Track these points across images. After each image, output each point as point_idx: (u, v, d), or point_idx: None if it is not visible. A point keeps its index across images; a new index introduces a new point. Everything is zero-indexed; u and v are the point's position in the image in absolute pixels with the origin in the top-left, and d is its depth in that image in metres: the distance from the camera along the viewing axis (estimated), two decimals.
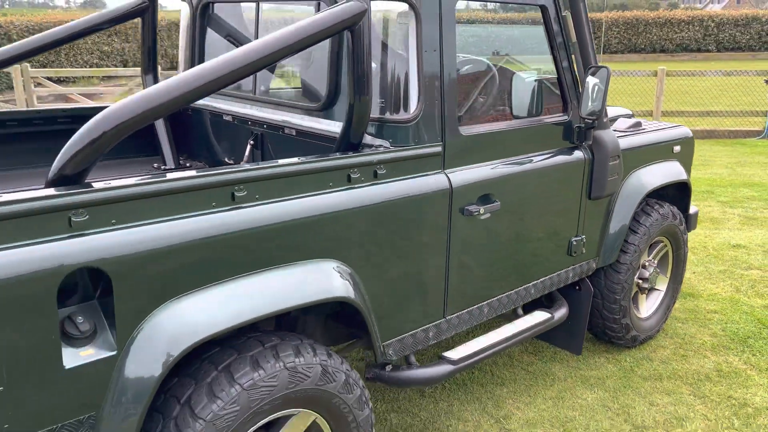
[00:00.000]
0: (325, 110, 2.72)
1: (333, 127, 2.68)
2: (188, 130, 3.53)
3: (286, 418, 2.22)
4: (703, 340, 4.06)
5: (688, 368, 3.74)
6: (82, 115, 3.33)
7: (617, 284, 3.66)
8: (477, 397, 3.44)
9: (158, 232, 1.84)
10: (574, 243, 3.34)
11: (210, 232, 1.94)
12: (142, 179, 1.84)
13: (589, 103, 3.06)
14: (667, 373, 3.68)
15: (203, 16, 3.33)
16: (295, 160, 2.18)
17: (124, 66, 19.45)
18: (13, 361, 1.62)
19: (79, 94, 11.24)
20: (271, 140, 3.02)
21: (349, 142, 2.39)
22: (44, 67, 16.05)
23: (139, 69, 14.12)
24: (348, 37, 2.26)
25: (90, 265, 1.70)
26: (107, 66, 18.94)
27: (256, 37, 3.08)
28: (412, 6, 2.46)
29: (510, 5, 3.07)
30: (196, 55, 3.39)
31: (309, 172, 2.19)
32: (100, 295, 1.84)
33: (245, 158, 3.10)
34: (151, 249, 1.81)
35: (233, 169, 2.01)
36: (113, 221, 1.77)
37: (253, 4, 3.19)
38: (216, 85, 2.00)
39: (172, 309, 1.88)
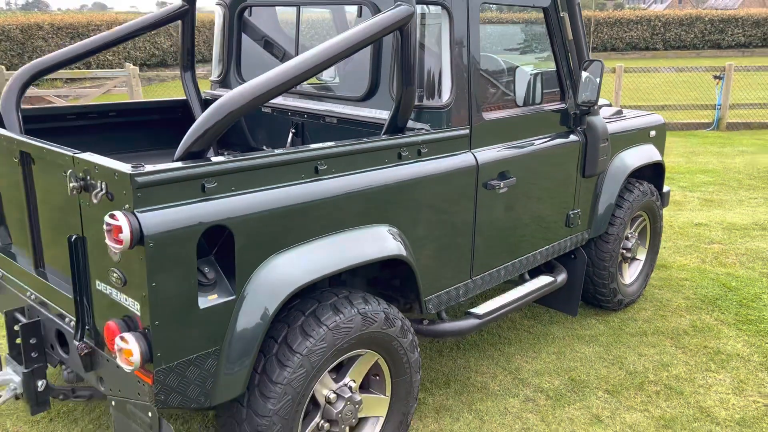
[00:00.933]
0: (366, 100, 3.12)
1: (374, 113, 3.08)
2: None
3: (355, 358, 2.62)
4: (678, 303, 4.61)
5: (668, 325, 4.27)
6: (135, 109, 3.67)
7: (606, 253, 4.16)
8: (489, 355, 3.89)
9: (263, 197, 2.22)
10: (572, 216, 3.82)
11: (299, 199, 2.33)
12: (251, 155, 2.21)
13: (585, 93, 3.55)
14: (650, 330, 4.21)
15: (240, 19, 3.69)
16: (361, 140, 2.58)
17: (78, 69, 19.30)
18: (167, 300, 1.99)
19: (55, 96, 11.30)
20: (310, 128, 3.40)
21: (397, 125, 2.80)
22: (9, 69, 15.90)
23: (107, 71, 14.17)
24: (397, 35, 2.67)
25: (219, 223, 2.08)
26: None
27: (297, 39, 3.46)
28: (445, 8, 2.89)
29: (518, 7, 3.52)
30: (233, 54, 3.75)
31: (371, 150, 2.59)
32: (216, 252, 2.21)
33: (287, 145, 3.47)
34: (260, 211, 2.19)
35: (318, 147, 2.40)
36: (233, 188, 2.14)
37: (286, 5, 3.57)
38: (299, 80, 2.38)
39: (276, 261, 2.26)
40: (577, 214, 3.87)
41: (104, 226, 1.93)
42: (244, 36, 3.73)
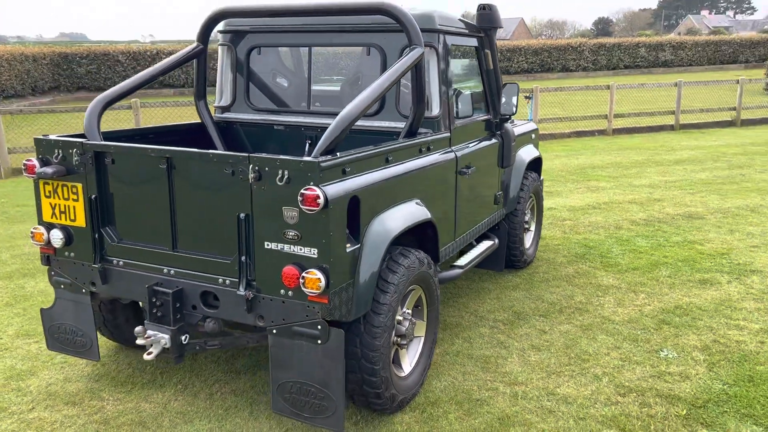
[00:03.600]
0: (377, 114, 4.26)
1: (383, 124, 4.22)
2: (234, 141, 4.75)
3: (409, 292, 3.74)
4: (561, 260, 6.25)
5: (561, 273, 5.86)
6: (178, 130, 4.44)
7: (517, 224, 5.65)
8: (451, 305, 5.15)
9: (369, 176, 3.29)
10: (498, 196, 5.24)
11: (382, 178, 3.42)
12: (362, 151, 3.27)
13: (504, 107, 4.99)
14: (550, 277, 5.76)
15: (248, 57, 4.62)
16: (405, 141, 3.73)
17: None
18: (335, 246, 2.98)
19: None
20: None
21: (412, 131, 3.98)
22: None
23: None
24: (413, 69, 3.86)
25: (355, 193, 3.11)
26: None
27: (309, 73, 4.48)
28: (434, 48, 4.14)
29: (463, 47, 4.83)
30: (243, 86, 4.65)
31: (411, 147, 3.76)
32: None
33: (305, 154, 4.46)
34: (369, 185, 3.26)
35: (387, 145, 3.51)
36: (355, 171, 3.19)
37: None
38: (372, 104, 3.44)
39: (377, 221, 3.33)
40: (501, 195, 5.30)
41: (298, 197, 2.89)
42: (252, 71, 4.65)
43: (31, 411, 3.68)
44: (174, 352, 3.39)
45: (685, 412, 3.63)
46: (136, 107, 11.83)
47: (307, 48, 4.49)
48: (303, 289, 3.00)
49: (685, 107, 16.91)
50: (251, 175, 3.02)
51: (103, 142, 3.48)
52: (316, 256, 2.99)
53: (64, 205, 3.62)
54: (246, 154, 3.06)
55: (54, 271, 3.77)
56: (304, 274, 2.98)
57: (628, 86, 16.95)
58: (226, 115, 4.75)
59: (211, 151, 3.20)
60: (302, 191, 2.89)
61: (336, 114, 4.37)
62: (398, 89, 4.22)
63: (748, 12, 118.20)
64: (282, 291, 3.11)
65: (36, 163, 3.57)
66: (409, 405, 3.71)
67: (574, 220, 7.68)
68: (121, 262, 3.55)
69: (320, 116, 4.49)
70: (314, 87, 4.54)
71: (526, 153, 5.83)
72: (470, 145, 4.64)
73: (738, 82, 16.99)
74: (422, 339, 3.92)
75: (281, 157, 3.00)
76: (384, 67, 4.19)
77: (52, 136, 3.62)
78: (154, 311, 3.40)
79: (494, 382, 3.97)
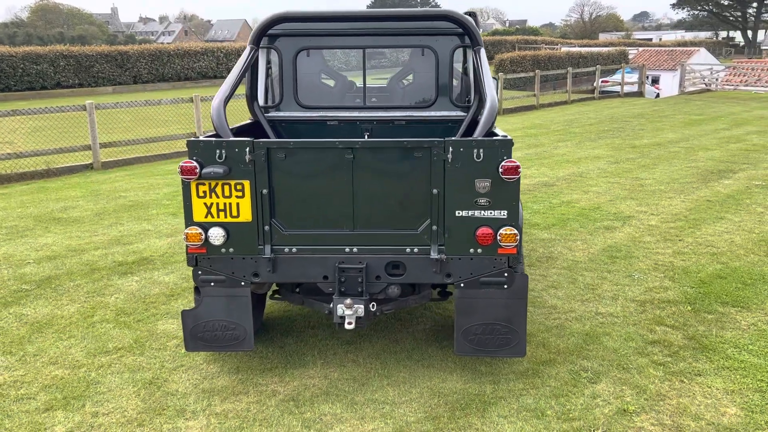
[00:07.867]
0: (432, 105, 4.97)
1: (439, 114, 4.96)
2: (284, 137, 5.03)
3: None
4: None
5: None
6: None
7: None
8: None
9: None
10: None
11: None
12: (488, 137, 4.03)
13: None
14: None
15: (295, 59, 4.94)
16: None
17: None
18: (517, 208, 3.73)
19: None
20: (380, 130, 5.01)
21: (476, 118, 4.79)
22: None
23: None
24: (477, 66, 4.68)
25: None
26: None
27: (364, 72, 4.98)
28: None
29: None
30: (291, 86, 4.96)
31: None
32: None
33: None
34: None
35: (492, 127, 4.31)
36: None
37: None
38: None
39: None
40: None
41: (499, 169, 3.59)
42: (300, 71, 4.99)
43: (210, 407, 3.74)
44: (366, 319, 3.81)
45: (689, 308, 5.08)
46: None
47: (361, 50, 5.00)
48: (500, 244, 3.71)
49: None
50: (449, 156, 3.63)
51: (279, 140, 3.73)
52: (505, 217, 3.72)
53: (224, 203, 3.75)
54: (441, 139, 3.66)
55: (202, 270, 3.85)
56: (501, 231, 3.69)
57: None
58: (275, 113, 5.02)
59: (404, 139, 3.70)
60: (504, 163, 3.61)
61: (395, 107, 5.04)
62: (451, 82, 4.99)
63: None
64: (471, 250, 3.77)
65: (195, 164, 3.65)
66: None
67: None
68: (294, 249, 3.82)
69: (375, 110, 5.05)
70: (368, 84, 5.07)
71: None
72: None
73: (496, 79, 20.15)
74: None
75: (476, 138, 3.66)
76: (437, 66, 4.93)
77: (204, 138, 3.72)
78: (340, 287, 3.78)
79: (552, 314, 5.02)
